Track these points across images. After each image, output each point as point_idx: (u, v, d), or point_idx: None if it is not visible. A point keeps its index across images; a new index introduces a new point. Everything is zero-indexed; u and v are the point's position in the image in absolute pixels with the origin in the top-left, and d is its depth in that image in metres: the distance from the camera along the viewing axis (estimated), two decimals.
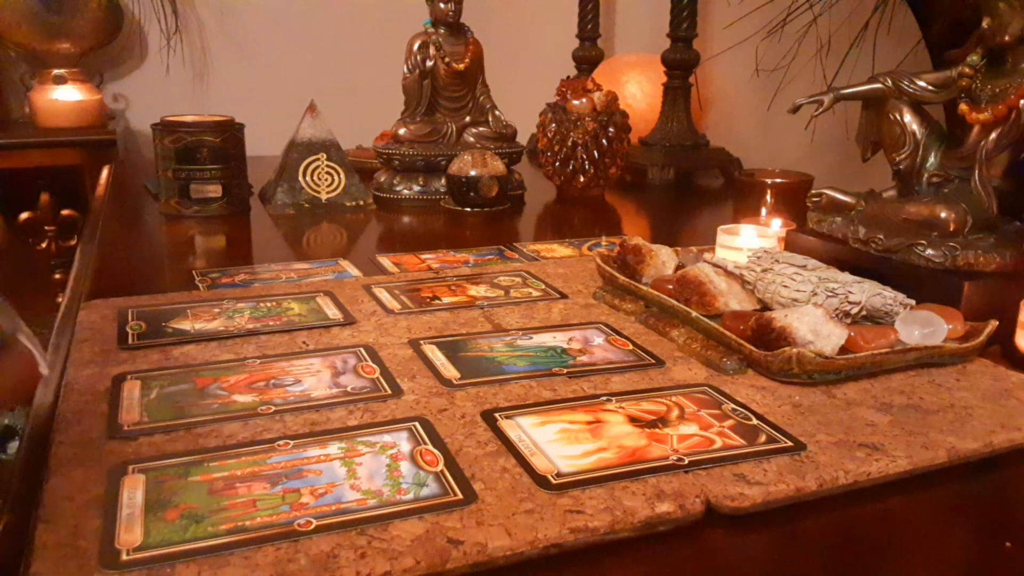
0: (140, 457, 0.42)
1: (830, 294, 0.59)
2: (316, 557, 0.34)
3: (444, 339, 0.59)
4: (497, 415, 0.47)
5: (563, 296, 0.70)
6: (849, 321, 0.58)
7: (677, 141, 1.38)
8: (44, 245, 1.57)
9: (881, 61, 1.18)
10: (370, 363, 0.55)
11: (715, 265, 0.65)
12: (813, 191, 0.80)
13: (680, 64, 1.38)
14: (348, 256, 0.85)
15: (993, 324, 0.57)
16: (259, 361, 0.55)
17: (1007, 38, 0.67)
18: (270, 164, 1.14)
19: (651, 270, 0.69)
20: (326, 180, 1.09)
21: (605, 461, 0.42)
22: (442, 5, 1.16)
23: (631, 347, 0.58)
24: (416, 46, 1.17)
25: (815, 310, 0.54)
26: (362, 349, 0.57)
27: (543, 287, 0.73)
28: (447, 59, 1.17)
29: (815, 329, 0.52)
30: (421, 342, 0.58)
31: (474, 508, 0.38)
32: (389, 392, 0.50)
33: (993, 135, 0.67)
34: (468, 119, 1.22)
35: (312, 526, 0.36)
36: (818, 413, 0.48)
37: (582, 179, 1.17)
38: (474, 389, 0.51)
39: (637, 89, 1.48)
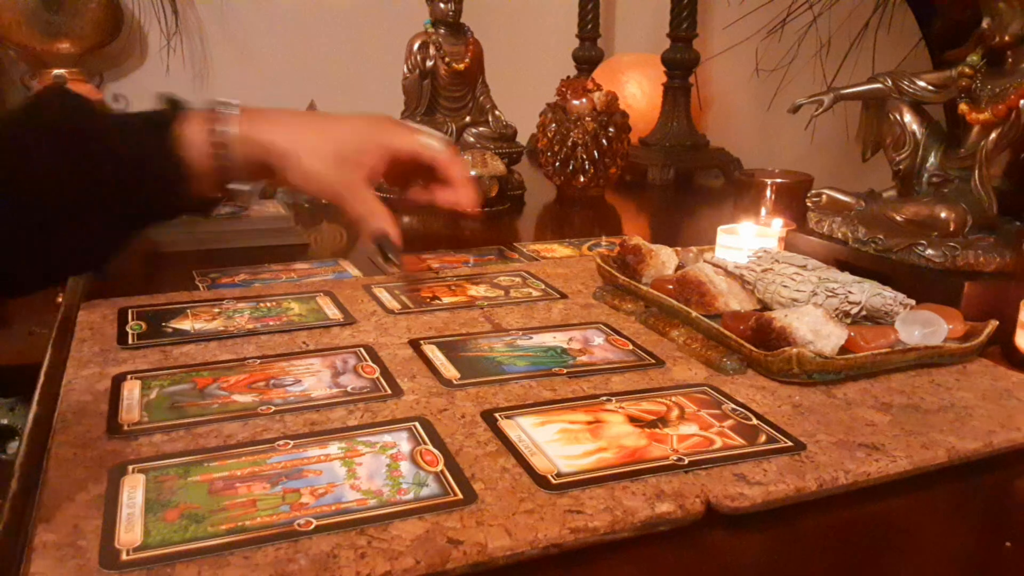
0: (140, 457, 0.42)
1: (830, 294, 0.59)
2: (316, 557, 0.34)
3: (444, 339, 0.59)
4: (497, 415, 0.47)
5: (563, 296, 0.70)
6: (849, 321, 0.58)
7: (677, 141, 1.38)
8: None
9: (881, 61, 1.18)
10: (370, 363, 0.55)
11: (715, 265, 0.65)
12: (813, 191, 0.81)
13: (680, 64, 1.38)
14: (348, 256, 0.85)
15: (993, 324, 0.57)
16: (259, 361, 0.55)
17: (1007, 38, 0.67)
18: None
19: (651, 270, 0.69)
20: None
21: (605, 461, 0.42)
22: (442, 5, 1.16)
23: (631, 347, 0.58)
24: (416, 46, 1.17)
25: (815, 310, 0.54)
26: (362, 349, 0.57)
27: (543, 287, 0.73)
28: (447, 59, 1.17)
29: (815, 329, 0.52)
30: (421, 342, 0.58)
31: (474, 508, 0.38)
32: (389, 392, 0.50)
33: (993, 135, 0.67)
34: (468, 119, 1.22)
35: (312, 526, 0.36)
36: (818, 413, 0.48)
37: (582, 179, 1.17)
38: (474, 389, 0.51)
39: (637, 89, 1.48)
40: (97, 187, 0.61)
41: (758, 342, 0.54)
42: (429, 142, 0.69)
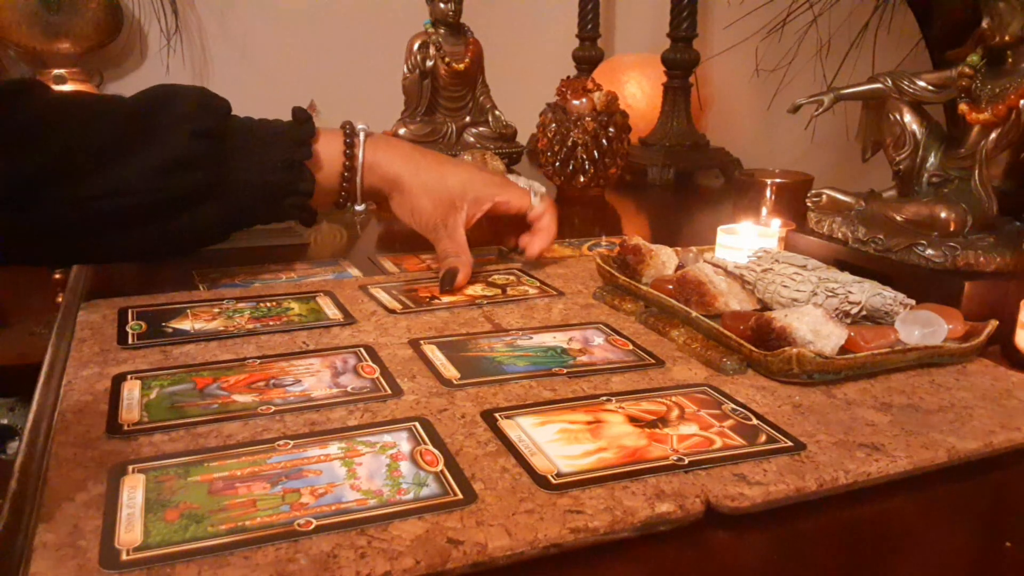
0: (140, 457, 0.42)
1: (830, 294, 0.59)
2: (316, 557, 0.34)
3: (444, 339, 0.59)
4: (497, 415, 0.47)
5: (560, 293, 0.71)
6: (849, 321, 0.58)
7: (677, 141, 1.38)
8: None
9: (881, 61, 1.18)
10: (370, 363, 0.55)
11: (715, 265, 0.65)
12: (813, 191, 0.81)
13: (680, 64, 1.38)
14: (348, 256, 0.85)
15: (993, 324, 0.57)
16: (259, 361, 0.55)
17: (1007, 38, 0.67)
18: None
19: (651, 270, 0.69)
20: None
21: (605, 461, 0.42)
22: (442, 5, 1.16)
23: (631, 347, 0.58)
24: (416, 46, 1.17)
25: (815, 310, 0.54)
26: (362, 349, 0.57)
27: (538, 284, 0.73)
28: (447, 59, 1.17)
29: (815, 329, 0.52)
30: (421, 342, 0.58)
31: (474, 508, 0.38)
32: (389, 392, 0.50)
33: (993, 135, 0.67)
34: (468, 119, 1.22)
35: (312, 526, 0.36)
36: (818, 413, 0.48)
37: (582, 179, 1.17)
38: (474, 389, 0.51)
39: (637, 89, 1.48)
40: (223, 184, 0.65)
41: (758, 342, 0.54)
42: (534, 201, 0.77)
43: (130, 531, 0.36)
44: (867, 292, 0.59)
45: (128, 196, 0.62)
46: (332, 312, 0.65)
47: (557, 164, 1.18)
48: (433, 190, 0.72)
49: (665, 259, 0.70)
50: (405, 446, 0.43)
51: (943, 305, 0.59)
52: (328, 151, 0.70)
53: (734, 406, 0.49)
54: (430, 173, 0.72)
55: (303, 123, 0.70)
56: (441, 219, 0.72)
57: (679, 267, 0.70)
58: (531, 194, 0.77)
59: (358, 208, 0.74)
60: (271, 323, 0.62)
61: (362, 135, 0.72)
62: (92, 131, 0.62)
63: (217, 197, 0.66)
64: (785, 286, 0.61)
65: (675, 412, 0.48)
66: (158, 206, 0.63)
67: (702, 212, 1.23)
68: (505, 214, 0.76)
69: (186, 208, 0.65)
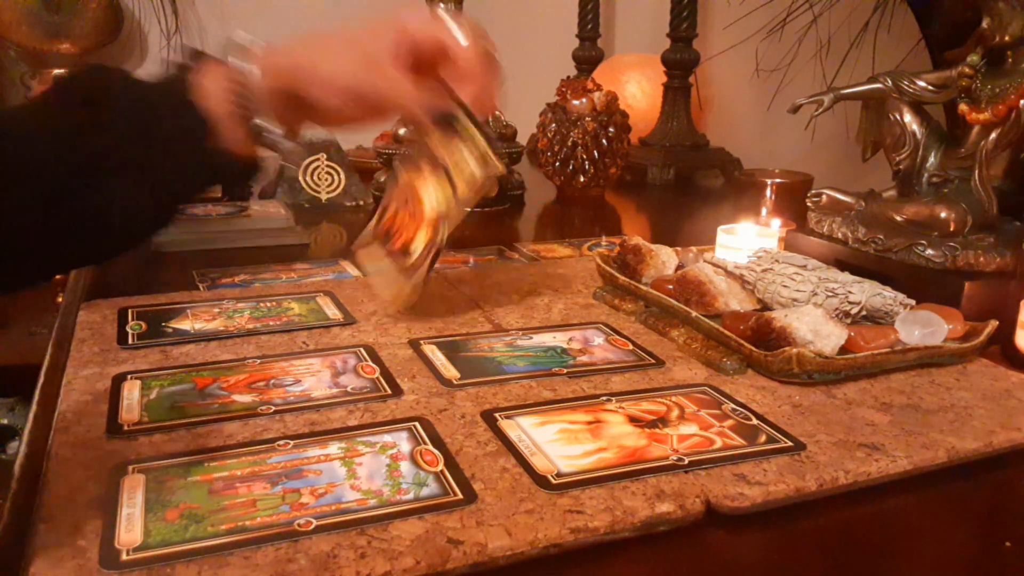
0: (140, 457, 0.42)
1: (830, 294, 0.59)
2: (316, 557, 0.34)
3: (444, 339, 0.59)
4: (497, 415, 0.47)
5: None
6: (849, 321, 0.58)
7: (677, 141, 1.38)
8: None
9: (881, 61, 1.18)
10: (370, 363, 0.55)
11: (715, 265, 0.65)
12: (813, 191, 0.81)
13: (680, 64, 1.38)
14: (348, 256, 0.85)
15: (993, 324, 0.57)
16: (259, 361, 0.55)
17: (1007, 38, 0.67)
18: (270, 164, 1.13)
19: (651, 270, 0.69)
20: (326, 180, 1.09)
21: (605, 461, 0.42)
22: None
23: (631, 347, 0.58)
24: None
25: (815, 310, 0.54)
26: (362, 349, 0.57)
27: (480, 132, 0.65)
28: None
29: (815, 329, 0.52)
30: (421, 342, 0.58)
31: (474, 508, 0.38)
32: (389, 392, 0.50)
33: (993, 135, 0.67)
34: None
35: (312, 526, 0.36)
36: (818, 413, 0.48)
37: (582, 179, 1.17)
38: (474, 389, 0.51)
39: (637, 89, 1.48)
40: (124, 151, 0.59)
41: (758, 342, 0.54)
42: (456, 33, 0.62)
43: (130, 531, 0.36)
44: (867, 292, 0.59)
45: (31, 171, 0.53)
46: (332, 312, 0.65)
47: (557, 164, 1.18)
48: (335, 48, 0.62)
49: (665, 259, 0.70)
50: (405, 446, 0.43)
51: (943, 305, 0.59)
52: (210, 81, 0.59)
53: (734, 406, 0.49)
54: (324, 39, 0.62)
55: (181, 73, 0.60)
56: (365, 74, 0.60)
57: (679, 267, 0.70)
58: (452, 27, 0.63)
59: (276, 131, 0.61)
60: (271, 323, 0.62)
61: (250, 48, 0.60)
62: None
63: (125, 168, 0.57)
64: (785, 286, 0.61)
65: (675, 412, 0.48)
66: (64, 177, 0.55)
67: (702, 212, 1.23)
68: (417, 55, 0.62)
69: (94, 178, 0.56)
